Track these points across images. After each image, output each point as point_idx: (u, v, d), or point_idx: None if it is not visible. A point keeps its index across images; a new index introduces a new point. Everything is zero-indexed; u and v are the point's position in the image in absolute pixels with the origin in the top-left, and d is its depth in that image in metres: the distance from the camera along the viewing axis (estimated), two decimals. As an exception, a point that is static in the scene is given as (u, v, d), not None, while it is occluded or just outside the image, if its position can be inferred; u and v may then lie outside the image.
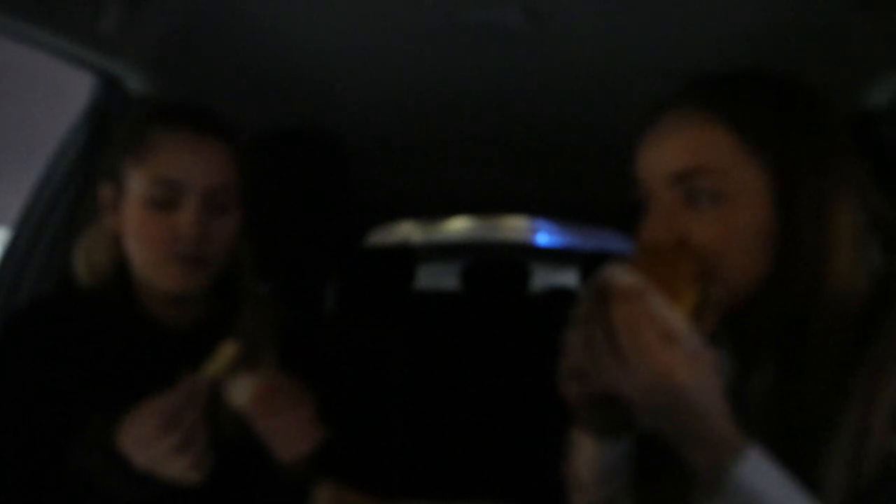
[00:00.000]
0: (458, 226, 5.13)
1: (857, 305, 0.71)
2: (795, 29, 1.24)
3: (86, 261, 1.02)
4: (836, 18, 1.19)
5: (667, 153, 0.75)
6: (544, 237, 5.60)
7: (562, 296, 2.91)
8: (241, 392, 0.90)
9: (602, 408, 0.74)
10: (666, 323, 0.65)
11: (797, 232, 0.71)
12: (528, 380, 2.38)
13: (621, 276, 0.67)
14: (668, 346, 0.64)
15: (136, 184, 0.96)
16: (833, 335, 0.70)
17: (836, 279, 0.70)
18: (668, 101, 0.78)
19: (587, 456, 0.82)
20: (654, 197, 0.76)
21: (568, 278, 3.75)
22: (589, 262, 2.66)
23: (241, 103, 1.50)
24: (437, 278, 3.85)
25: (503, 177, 2.36)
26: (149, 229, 0.96)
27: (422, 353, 2.27)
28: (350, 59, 1.48)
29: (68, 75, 1.31)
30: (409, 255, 2.66)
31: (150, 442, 0.81)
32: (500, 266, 2.83)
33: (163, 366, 0.99)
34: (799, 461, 0.67)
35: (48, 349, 0.98)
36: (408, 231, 4.40)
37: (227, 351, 0.86)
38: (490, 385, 2.41)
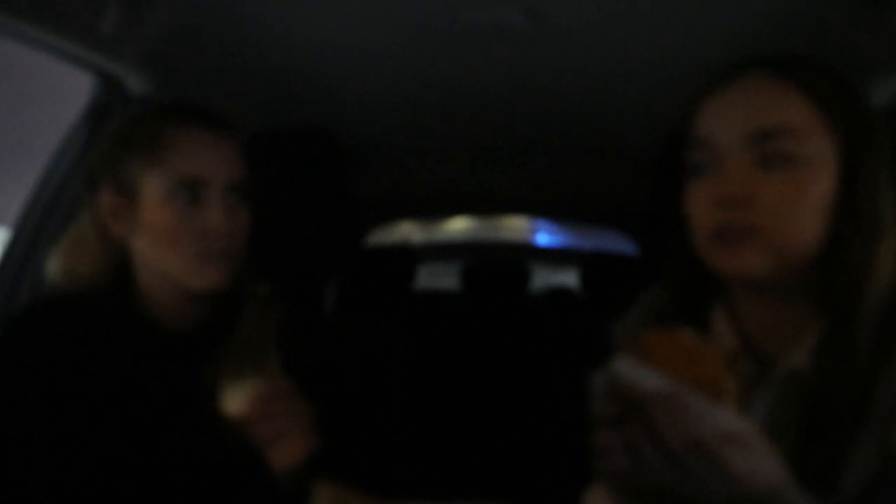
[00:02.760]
0: (458, 226, 5.13)
1: (890, 299, 0.72)
2: (796, 28, 1.24)
3: (65, 266, 1.01)
4: (837, 18, 1.19)
5: (745, 113, 0.75)
6: (544, 237, 5.60)
7: (562, 296, 2.91)
8: (236, 398, 0.90)
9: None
10: (720, 424, 0.61)
11: (857, 207, 0.72)
12: (528, 379, 2.38)
13: (649, 382, 0.62)
14: (734, 449, 0.61)
15: (155, 184, 0.95)
16: (875, 323, 0.70)
17: (883, 261, 0.72)
18: (735, 70, 0.78)
19: None
20: (725, 156, 0.75)
21: (568, 278, 3.75)
22: (589, 262, 2.66)
23: (241, 103, 1.50)
24: (437, 278, 3.85)
25: (503, 177, 2.36)
26: (175, 229, 0.95)
27: (422, 353, 2.27)
28: (350, 59, 1.48)
29: (68, 75, 1.31)
30: (409, 255, 2.65)
31: None
32: (500, 266, 2.83)
33: (163, 368, 0.99)
34: (817, 473, 0.67)
35: (47, 352, 0.97)
36: (408, 231, 4.40)
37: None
38: (490, 385, 2.41)
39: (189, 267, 0.96)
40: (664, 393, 0.61)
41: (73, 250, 1.02)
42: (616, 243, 2.85)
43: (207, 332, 1.00)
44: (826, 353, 0.72)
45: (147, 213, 0.96)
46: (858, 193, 0.72)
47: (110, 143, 1.00)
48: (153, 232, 0.96)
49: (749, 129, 0.74)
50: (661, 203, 0.80)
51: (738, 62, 0.79)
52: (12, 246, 1.33)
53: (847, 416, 0.69)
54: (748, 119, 0.74)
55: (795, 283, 0.75)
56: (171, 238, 0.95)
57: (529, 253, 4.20)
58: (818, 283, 0.74)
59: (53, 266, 1.02)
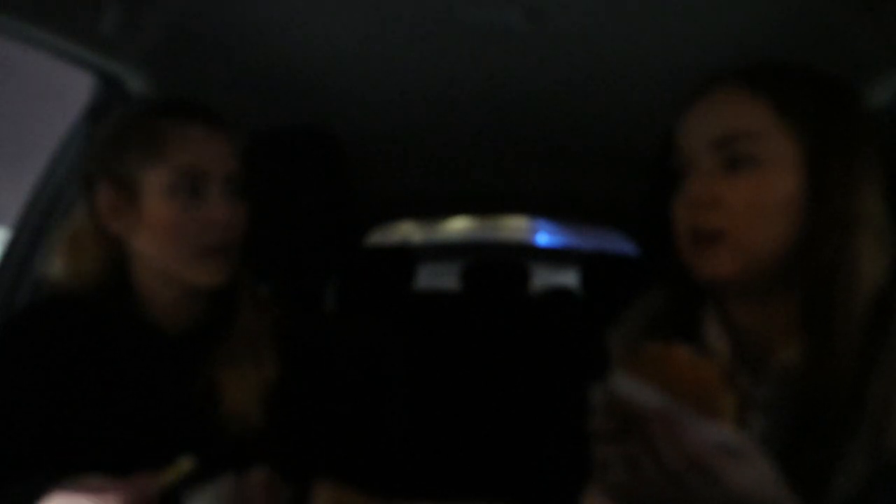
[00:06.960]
0: (458, 226, 5.13)
1: (875, 297, 0.72)
2: (796, 28, 1.24)
3: (67, 265, 1.00)
4: (836, 18, 1.20)
5: (710, 121, 0.80)
6: (544, 237, 5.61)
7: (562, 296, 2.91)
8: (205, 500, 0.83)
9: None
10: (717, 440, 0.62)
11: (825, 202, 0.74)
12: (527, 379, 2.38)
13: (647, 398, 0.63)
14: (731, 464, 0.62)
15: (155, 179, 0.95)
16: (856, 319, 0.71)
17: (860, 254, 0.73)
18: (714, 79, 0.83)
19: None
20: (695, 162, 0.80)
21: (568, 278, 3.75)
22: (589, 262, 2.66)
23: (240, 103, 1.50)
24: (437, 278, 3.85)
25: (503, 177, 2.36)
26: (177, 223, 0.95)
27: (422, 353, 2.27)
28: (350, 58, 1.48)
29: (68, 75, 1.31)
30: (409, 255, 2.65)
31: None
32: (500, 266, 2.83)
33: (160, 369, 0.99)
34: (810, 472, 0.68)
35: (45, 354, 0.97)
36: (408, 231, 4.41)
37: (183, 466, 0.83)
38: (490, 385, 2.41)
39: (190, 261, 0.96)
40: (661, 410, 0.62)
41: (73, 249, 1.01)
42: (616, 243, 2.85)
43: (204, 331, 1.00)
44: (810, 350, 0.73)
45: (148, 207, 0.96)
46: (827, 190, 0.74)
47: (107, 139, 1.00)
48: (155, 227, 0.96)
49: (714, 135, 0.78)
50: (659, 204, 0.82)
51: (713, 75, 0.84)
52: (12, 246, 1.33)
53: (838, 415, 0.69)
54: (714, 126, 0.79)
55: (778, 281, 0.76)
56: (172, 232, 0.96)
57: (529, 253, 4.20)
58: (796, 280, 0.75)
59: (55, 265, 1.02)
